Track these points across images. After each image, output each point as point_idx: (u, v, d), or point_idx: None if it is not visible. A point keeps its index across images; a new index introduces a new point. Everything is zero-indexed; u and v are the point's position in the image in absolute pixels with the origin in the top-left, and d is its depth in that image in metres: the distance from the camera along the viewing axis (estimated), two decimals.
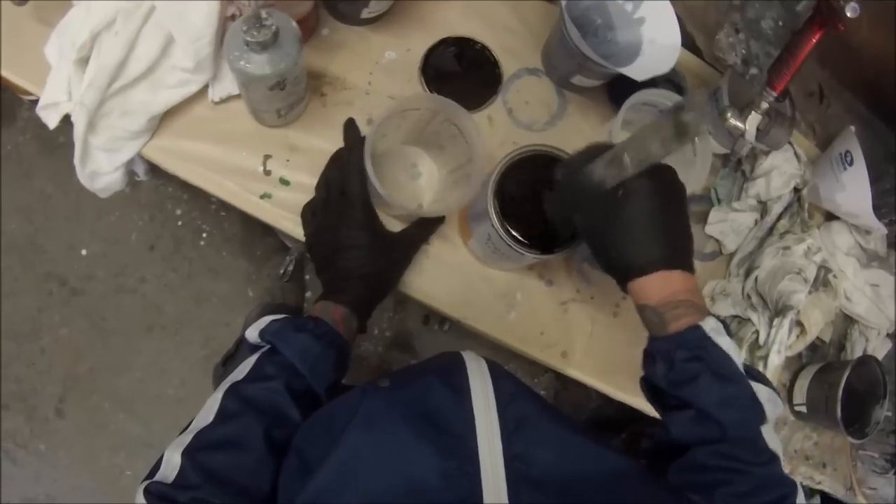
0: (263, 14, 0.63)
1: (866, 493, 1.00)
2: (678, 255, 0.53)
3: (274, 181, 0.75)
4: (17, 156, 1.40)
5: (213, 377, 1.06)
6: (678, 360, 0.50)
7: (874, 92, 1.05)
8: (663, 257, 0.52)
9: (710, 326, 0.49)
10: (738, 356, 0.49)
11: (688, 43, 0.92)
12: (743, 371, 0.49)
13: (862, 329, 0.98)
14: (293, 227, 0.75)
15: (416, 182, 0.80)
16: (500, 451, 0.43)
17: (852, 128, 0.96)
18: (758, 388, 0.48)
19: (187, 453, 0.49)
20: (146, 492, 0.46)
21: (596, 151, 0.57)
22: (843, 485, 0.99)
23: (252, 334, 0.61)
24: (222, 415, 0.52)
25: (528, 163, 0.68)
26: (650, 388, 0.56)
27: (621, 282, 0.56)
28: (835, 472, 0.98)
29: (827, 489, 0.99)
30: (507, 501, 0.40)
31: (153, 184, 1.50)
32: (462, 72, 0.83)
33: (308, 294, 1.51)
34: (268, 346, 0.59)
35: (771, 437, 0.48)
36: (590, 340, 0.81)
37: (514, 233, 0.66)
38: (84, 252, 1.46)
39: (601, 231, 0.56)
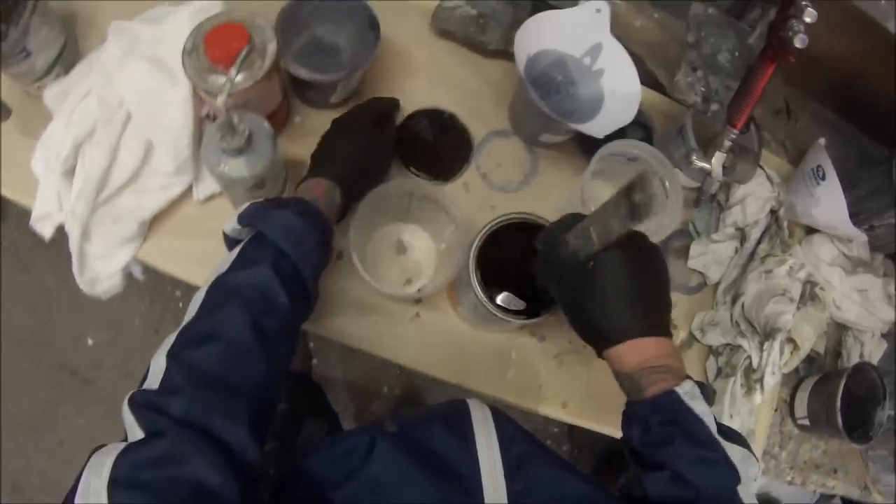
0: (235, 120, 0.65)
1: (882, 490, 1.02)
2: (651, 321, 0.54)
3: None
4: (15, 251, 1.43)
5: None
6: (653, 424, 0.51)
7: (841, 98, 1.07)
8: (635, 326, 0.53)
9: (685, 391, 0.51)
10: (712, 420, 0.51)
11: (650, 81, 0.94)
12: (717, 434, 0.50)
13: (856, 334, 0.99)
14: None
15: (409, 258, 0.82)
16: (504, 487, 0.48)
17: (821, 142, 0.98)
18: (732, 449, 0.50)
19: (172, 354, 0.47)
20: (130, 401, 0.44)
21: (571, 221, 0.58)
22: (857, 486, 1.00)
23: (230, 224, 0.59)
24: (206, 308, 0.51)
25: (506, 230, 0.70)
26: (629, 448, 0.57)
27: (597, 350, 0.57)
28: (847, 475, 0.99)
29: (841, 493, 1.00)
30: None
31: (155, 271, 1.52)
32: (434, 142, 0.85)
33: (315, 361, 1.52)
34: (249, 237, 0.58)
35: (747, 494, 0.49)
36: (588, 387, 0.83)
37: (498, 301, 0.68)
38: (90, 341, 1.49)
39: (575, 302, 0.57)
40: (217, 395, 0.46)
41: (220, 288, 0.52)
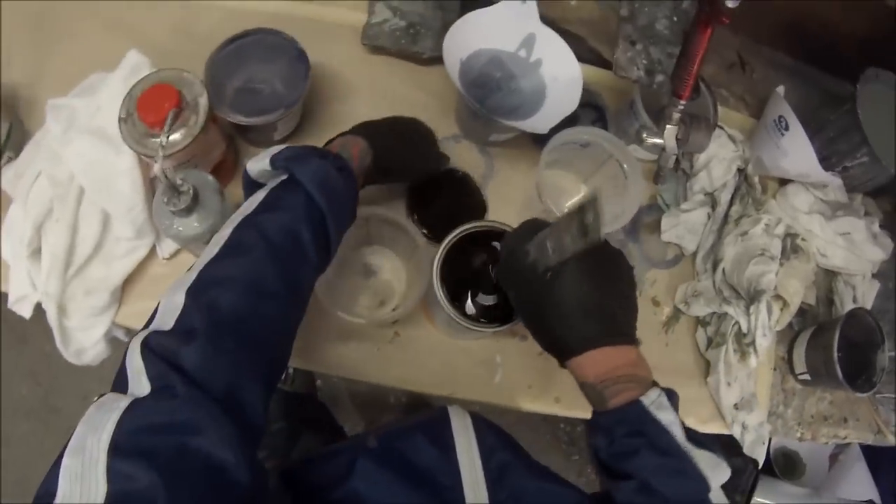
0: (178, 181, 0.65)
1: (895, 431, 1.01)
2: (612, 330, 0.53)
3: None
4: (8, 324, 1.45)
5: None
6: (618, 435, 0.51)
7: (794, 38, 1.04)
8: (596, 336, 0.53)
9: (651, 400, 0.50)
10: (679, 429, 0.50)
11: (595, 59, 0.93)
12: (684, 442, 0.49)
13: (846, 279, 0.98)
14: None
15: (379, 280, 0.82)
16: (486, 498, 0.48)
17: (779, 90, 0.96)
18: (702, 456, 0.49)
19: (192, 291, 0.43)
20: (144, 344, 0.40)
21: (531, 229, 0.58)
22: (870, 431, 0.99)
23: (258, 164, 0.54)
24: (231, 248, 0.47)
25: (468, 239, 0.70)
26: (596, 458, 0.56)
27: (559, 361, 0.56)
28: (857, 422, 0.98)
29: (855, 440, 0.99)
30: None
31: None
32: (448, 204, 0.84)
33: (319, 382, 1.53)
34: (277, 182, 0.54)
35: (719, 500, 0.49)
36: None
37: (467, 313, 0.68)
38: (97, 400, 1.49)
39: (535, 313, 0.57)
40: (236, 343, 0.43)
41: (249, 228, 0.49)
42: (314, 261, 0.51)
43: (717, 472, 0.48)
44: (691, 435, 0.50)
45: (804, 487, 1.35)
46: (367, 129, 0.67)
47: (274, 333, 0.46)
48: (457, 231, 0.70)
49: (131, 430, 0.36)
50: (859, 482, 1.22)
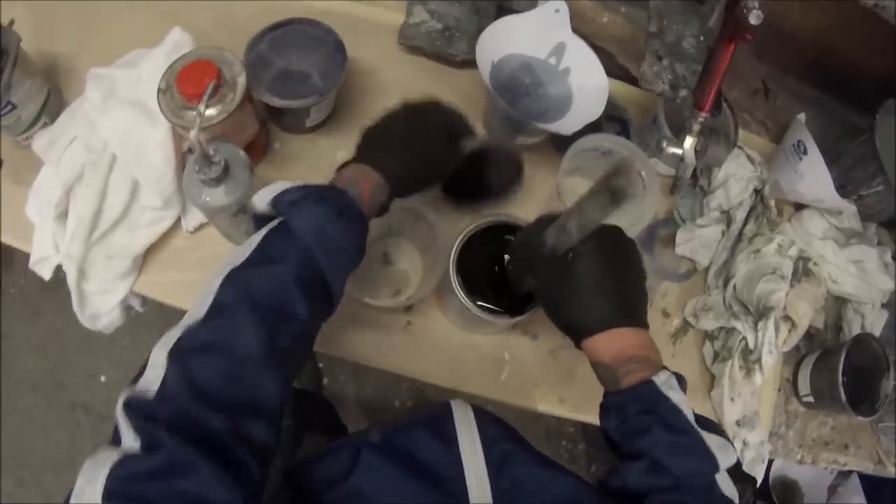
0: (211, 151, 0.67)
1: None
2: (627, 312, 0.55)
3: None
4: (22, 298, 1.47)
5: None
6: (631, 414, 0.52)
7: (818, 70, 1.07)
8: (612, 316, 0.54)
9: (662, 381, 0.52)
10: (689, 409, 0.51)
11: (623, 75, 0.95)
12: (694, 422, 0.51)
13: (855, 307, 0.99)
14: None
15: (396, 269, 0.83)
16: (489, 488, 0.49)
17: (800, 117, 0.98)
18: (710, 437, 0.50)
19: (173, 354, 0.43)
20: (126, 406, 0.41)
21: (546, 222, 0.60)
22: (870, 460, 0.99)
23: (263, 199, 0.53)
24: (215, 310, 0.46)
25: (485, 233, 0.72)
26: (607, 438, 0.57)
27: (575, 341, 0.58)
28: (858, 450, 0.98)
29: (854, 468, 0.99)
30: None
31: (157, 302, 1.55)
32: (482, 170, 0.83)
33: (325, 381, 1.53)
34: (277, 221, 0.53)
35: (726, 484, 0.50)
36: (583, 382, 0.84)
37: (481, 303, 0.70)
38: (103, 378, 1.51)
39: (553, 294, 0.59)
40: (218, 408, 0.42)
41: (234, 287, 0.47)
42: (306, 319, 0.49)
43: (725, 453, 0.50)
44: (698, 418, 0.51)
45: None
46: (380, 155, 0.62)
47: (260, 394, 0.45)
48: (475, 224, 0.71)
49: (122, 478, 0.37)
50: None
